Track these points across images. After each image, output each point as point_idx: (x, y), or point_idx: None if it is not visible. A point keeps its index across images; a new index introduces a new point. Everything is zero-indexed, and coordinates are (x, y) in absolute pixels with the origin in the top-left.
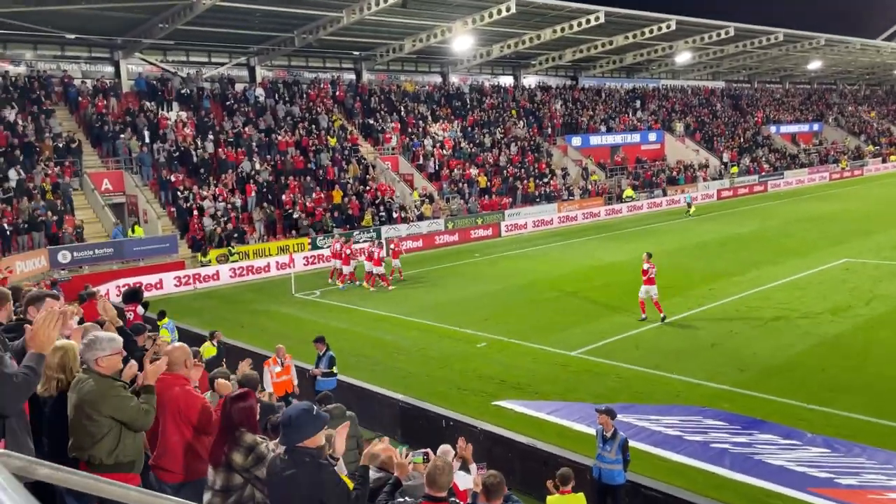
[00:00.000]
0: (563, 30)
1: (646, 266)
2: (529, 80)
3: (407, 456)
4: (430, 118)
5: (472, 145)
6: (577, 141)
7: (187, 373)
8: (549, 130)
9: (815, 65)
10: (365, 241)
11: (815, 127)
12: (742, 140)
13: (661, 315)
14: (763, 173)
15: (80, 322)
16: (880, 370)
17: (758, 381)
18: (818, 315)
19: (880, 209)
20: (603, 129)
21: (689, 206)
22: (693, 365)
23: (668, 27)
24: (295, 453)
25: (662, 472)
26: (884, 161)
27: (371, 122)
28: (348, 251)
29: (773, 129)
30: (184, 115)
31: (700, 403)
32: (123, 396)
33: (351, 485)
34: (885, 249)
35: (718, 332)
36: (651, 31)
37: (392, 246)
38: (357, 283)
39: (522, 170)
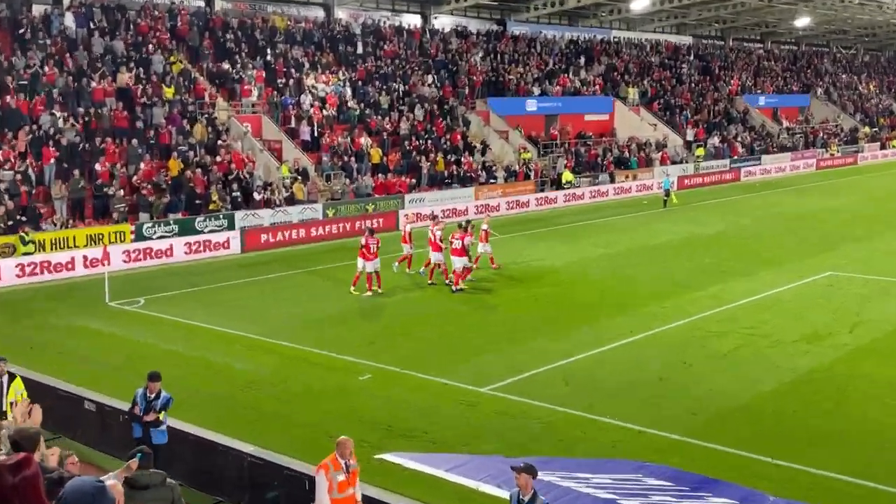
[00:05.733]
0: None
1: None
2: (443, 22)
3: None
4: (307, 66)
5: (363, 106)
6: (502, 106)
7: None
8: (467, 91)
9: (803, 21)
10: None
11: (802, 100)
12: (712, 114)
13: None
14: (735, 157)
15: None
16: (862, 414)
17: (714, 427)
18: (792, 343)
19: (875, 209)
20: (536, 91)
21: (668, 193)
22: (635, 406)
23: None
24: None
25: None
26: (882, 147)
27: (225, 66)
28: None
29: (750, 100)
30: None
31: (642, 457)
32: None
33: None
34: (877, 260)
35: (668, 363)
36: None
37: (484, 225)
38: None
39: (430, 141)
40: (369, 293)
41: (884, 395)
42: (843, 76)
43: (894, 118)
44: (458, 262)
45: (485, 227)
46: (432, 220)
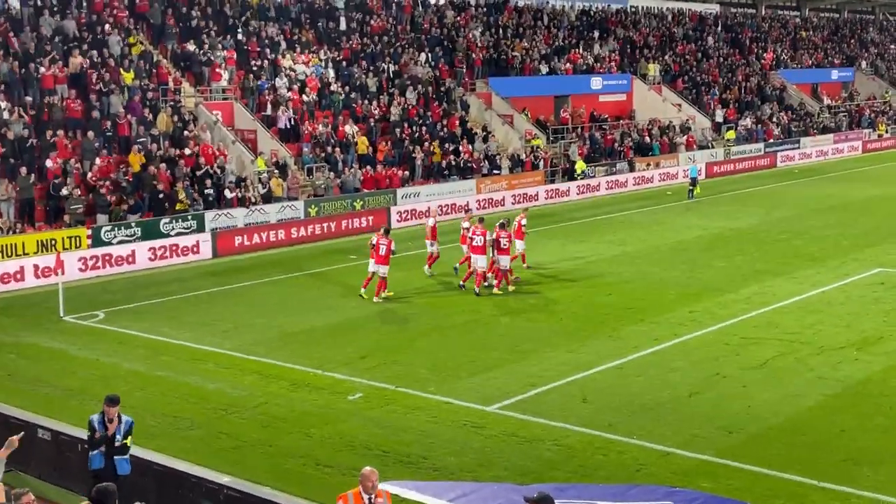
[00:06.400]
0: None
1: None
2: None
3: None
4: (284, 46)
5: (348, 89)
6: (505, 87)
7: None
8: (465, 70)
9: None
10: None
11: (845, 75)
12: (743, 91)
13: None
14: (770, 140)
15: None
16: None
17: (751, 447)
18: (839, 350)
19: None
20: (544, 69)
21: (695, 182)
22: (662, 425)
23: None
24: None
25: None
26: None
27: (192, 48)
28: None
29: (786, 76)
30: None
31: (670, 482)
32: None
33: None
34: None
35: (699, 375)
36: None
37: (523, 220)
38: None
39: (424, 128)
40: (363, 291)
41: None
42: (892, 46)
43: None
44: (478, 262)
45: (523, 221)
46: (465, 213)
